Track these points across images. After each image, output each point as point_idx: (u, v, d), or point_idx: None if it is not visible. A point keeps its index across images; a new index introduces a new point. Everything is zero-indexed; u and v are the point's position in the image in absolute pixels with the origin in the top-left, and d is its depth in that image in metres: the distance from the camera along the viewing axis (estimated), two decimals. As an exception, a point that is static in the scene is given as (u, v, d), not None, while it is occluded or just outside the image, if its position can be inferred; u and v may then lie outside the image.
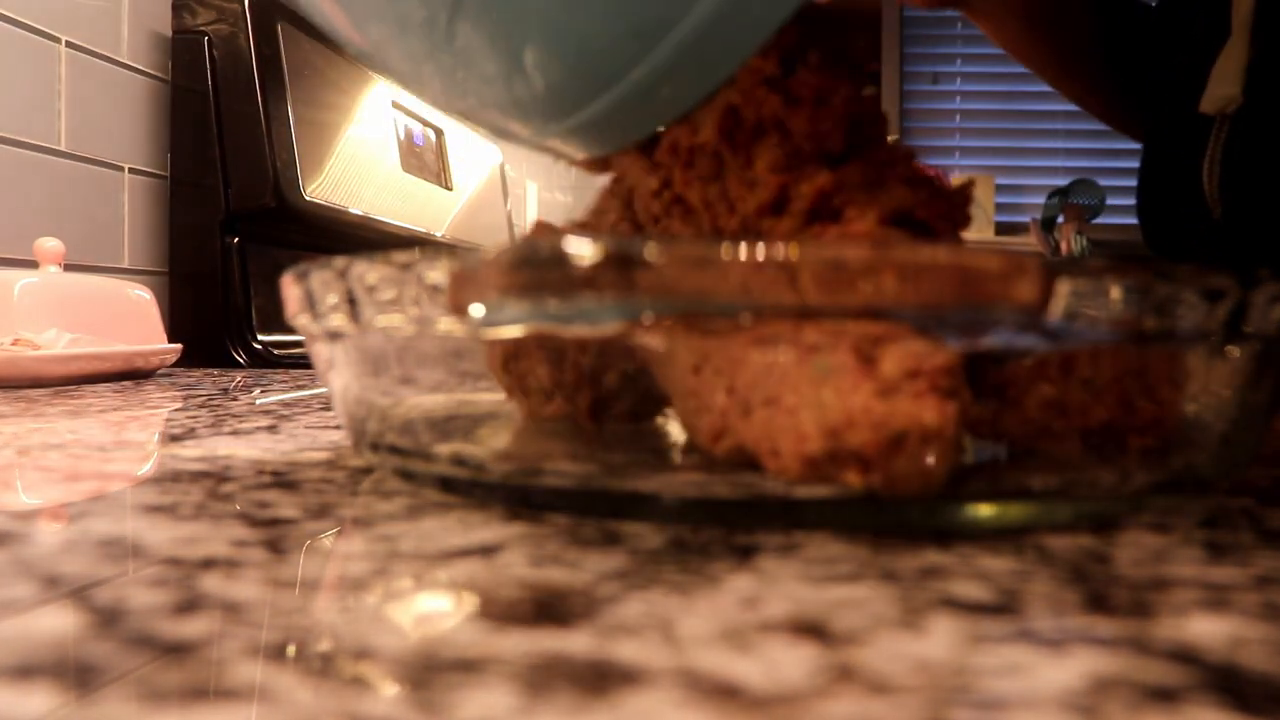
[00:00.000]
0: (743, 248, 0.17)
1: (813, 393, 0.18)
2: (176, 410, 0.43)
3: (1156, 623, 0.14)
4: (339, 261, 0.21)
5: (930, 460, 0.18)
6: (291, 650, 0.12)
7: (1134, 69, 0.58)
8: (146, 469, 0.26)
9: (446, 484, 0.22)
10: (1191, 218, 0.48)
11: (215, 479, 0.25)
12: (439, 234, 1.19)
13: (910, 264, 0.16)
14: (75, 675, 0.11)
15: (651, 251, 0.17)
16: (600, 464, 0.22)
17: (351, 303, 0.21)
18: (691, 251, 0.17)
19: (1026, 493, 0.20)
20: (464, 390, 0.27)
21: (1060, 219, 2.19)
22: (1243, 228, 0.45)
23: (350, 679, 0.11)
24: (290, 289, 0.24)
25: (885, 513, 0.19)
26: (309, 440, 0.32)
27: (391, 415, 0.24)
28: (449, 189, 1.26)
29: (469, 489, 0.21)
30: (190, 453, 0.29)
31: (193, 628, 0.13)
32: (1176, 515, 0.21)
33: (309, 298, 0.23)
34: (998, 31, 0.62)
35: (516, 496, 0.21)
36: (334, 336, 0.23)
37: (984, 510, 0.19)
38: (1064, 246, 2.12)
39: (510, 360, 0.27)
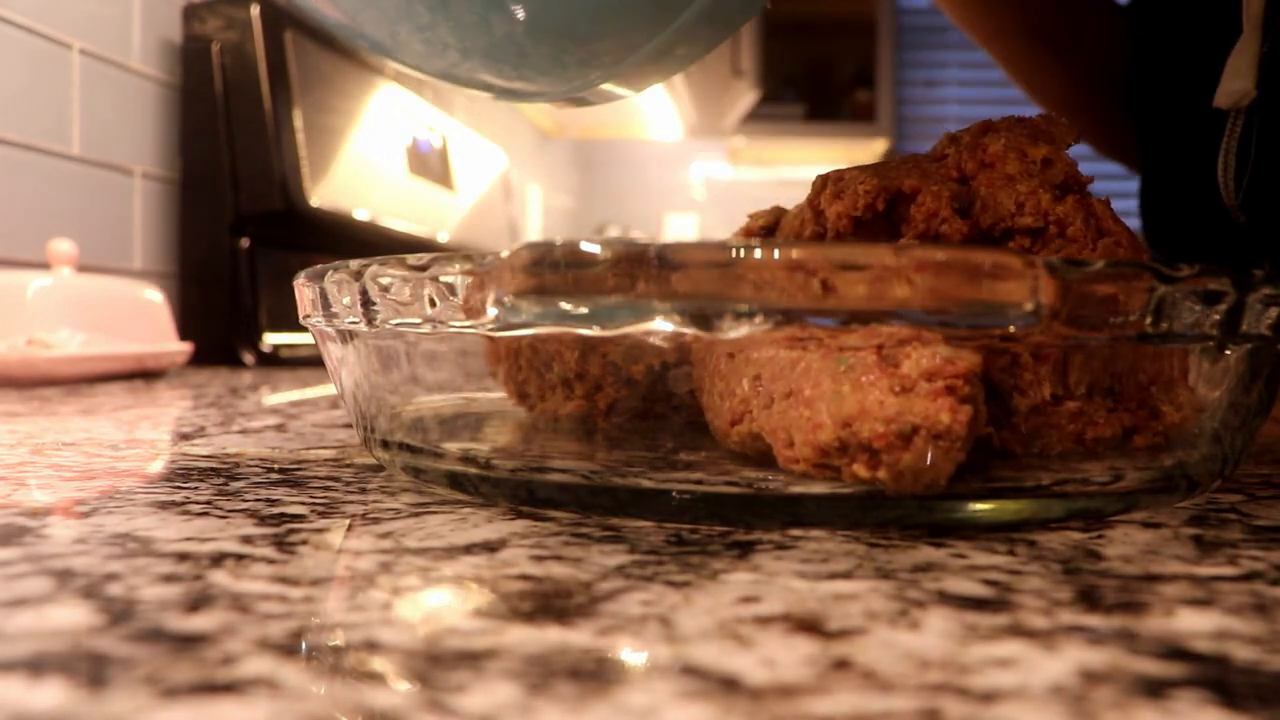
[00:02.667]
0: (755, 249, 0.17)
1: (832, 385, 0.19)
2: (187, 409, 0.43)
3: (1146, 617, 0.14)
4: (354, 263, 0.21)
5: (936, 459, 0.18)
6: (299, 644, 0.13)
7: (1139, 81, 0.57)
8: (157, 466, 0.26)
9: (454, 480, 0.22)
10: (1204, 213, 0.48)
11: (225, 476, 0.25)
12: (443, 237, 1.19)
13: (908, 262, 0.17)
14: (87, 669, 0.12)
15: (666, 252, 0.17)
16: (605, 461, 0.23)
17: (366, 304, 0.21)
18: (706, 253, 0.17)
19: (1020, 490, 0.20)
20: (471, 389, 0.27)
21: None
22: (1262, 218, 0.45)
23: (357, 672, 0.12)
24: (304, 290, 0.24)
25: (881, 508, 0.19)
26: (316, 438, 0.32)
27: (401, 413, 0.24)
28: (453, 192, 1.27)
29: (476, 485, 0.22)
30: (200, 450, 0.29)
31: (202, 622, 0.13)
32: (1166, 512, 0.21)
33: (323, 298, 0.23)
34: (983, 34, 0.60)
35: (522, 492, 0.21)
36: (346, 336, 0.24)
37: (979, 507, 0.19)
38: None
39: (519, 360, 0.27)
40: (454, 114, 1.40)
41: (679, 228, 2.91)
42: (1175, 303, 0.18)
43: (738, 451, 0.22)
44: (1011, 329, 0.17)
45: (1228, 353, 0.20)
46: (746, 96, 2.34)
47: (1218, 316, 0.19)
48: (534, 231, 2.33)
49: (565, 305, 0.18)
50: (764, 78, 2.34)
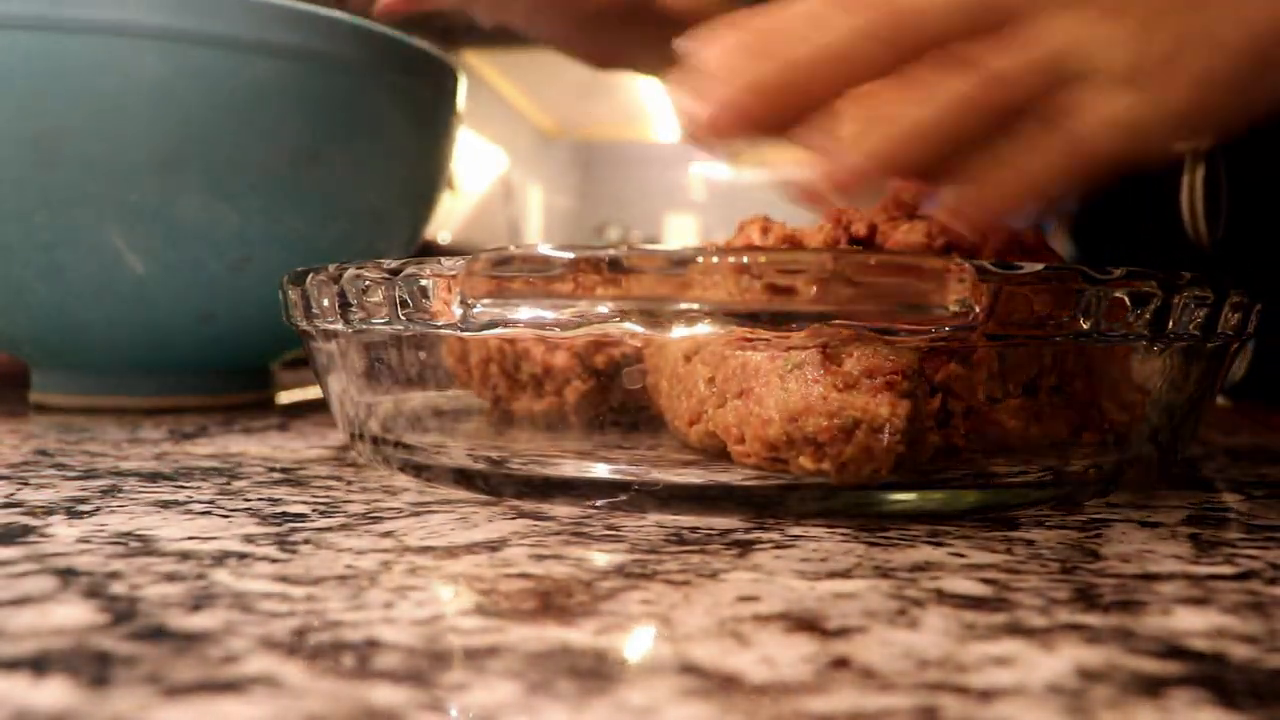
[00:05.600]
0: (700, 255, 0.18)
1: (780, 383, 0.20)
2: (188, 408, 0.43)
3: (1143, 616, 0.14)
4: (332, 267, 0.22)
5: (877, 451, 0.19)
6: (301, 643, 0.13)
7: None
8: (159, 465, 0.26)
9: (419, 470, 0.24)
10: (1157, 242, 0.48)
11: (227, 475, 0.25)
12: (444, 237, 1.19)
13: (846, 266, 0.18)
14: (90, 667, 0.12)
15: (620, 256, 0.18)
16: (572, 451, 0.24)
17: (344, 305, 0.22)
18: (656, 258, 0.18)
19: (945, 481, 0.21)
20: (448, 386, 0.28)
21: (1050, 225, 2.22)
22: (1241, 257, 0.45)
23: (358, 671, 0.12)
24: (289, 292, 0.25)
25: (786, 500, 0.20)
26: (318, 438, 0.32)
27: (376, 409, 0.25)
28: (454, 193, 1.27)
29: (438, 475, 0.23)
30: (202, 450, 0.29)
31: (205, 621, 0.13)
32: (1164, 511, 0.21)
33: (304, 300, 0.24)
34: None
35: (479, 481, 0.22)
36: (327, 336, 0.24)
37: (898, 497, 0.20)
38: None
39: (489, 366, 0.28)
40: (454, 114, 1.41)
41: (679, 228, 2.91)
42: (1103, 304, 0.19)
43: (697, 448, 0.23)
44: (946, 329, 0.18)
45: (1158, 350, 0.21)
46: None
47: (1147, 317, 0.19)
48: (535, 232, 2.33)
49: (524, 306, 0.19)
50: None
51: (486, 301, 0.19)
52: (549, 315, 0.19)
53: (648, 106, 2.18)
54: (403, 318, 0.21)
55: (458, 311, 0.20)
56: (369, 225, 0.42)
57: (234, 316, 0.40)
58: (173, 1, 0.35)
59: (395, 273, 0.21)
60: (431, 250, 1.13)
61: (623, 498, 0.20)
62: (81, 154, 0.35)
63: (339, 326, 0.23)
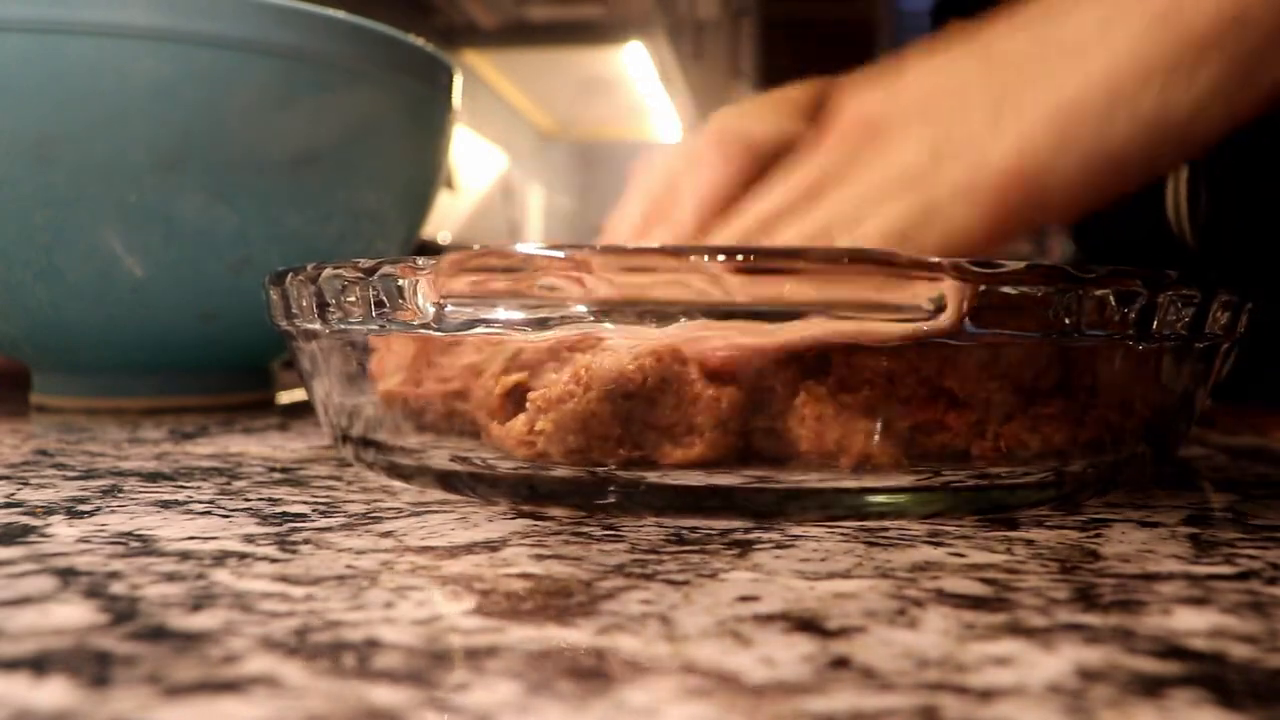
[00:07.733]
0: (668, 252, 0.18)
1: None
2: (188, 408, 0.43)
3: (1143, 616, 0.14)
4: (310, 266, 0.22)
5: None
6: (301, 643, 0.13)
7: None
8: (160, 465, 0.26)
9: (398, 471, 0.24)
10: (1148, 238, 0.49)
11: (227, 475, 0.25)
12: (444, 237, 1.19)
13: (824, 263, 0.18)
14: (90, 667, 0.12)
15: (594, 255, 0.18)
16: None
17: (321, 305, 0.22)
18: (630, 256, 0.18)
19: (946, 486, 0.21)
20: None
21: (1048, 226, 2.21)
22: (1222, 255, 0.46)
23: (358, 671, 0.12)
24: (270, 292, 0.25)
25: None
26: (318, 438, 0.32)
27: (358, 410, 0.25)
28: (454, 193, 1.27)
29: (422, 478, 0.23)
30: (203, 450, 0.29)
31: (205, 621, 0.13)
32: (1164, 511, 0.21)
33: (284, 300, 0.24)
34: None
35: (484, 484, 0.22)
36: (308, 336, 0.24)
37: (877, 500, 0.20)
38: (1054, 251, 2.13)
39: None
40: (454, 114, 1.41)
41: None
42: (1085, 303, 0.19)
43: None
44: (924, 327, 0.18)
45: (1145, 350, 0.21)
46: (746, 97, 2.34)
47: (1132, 316, 0.19)
48: (535, 232, 2.33)
49: (498, 306, 0.19)
50: (763, 79, 2.34)
51: (460, 301, 0.19)
52: (522, 315, 0.19)
53: (648, 106, 2.18)
54: (378, 318, 0.21)
55: (430, 311, 0.20)
56: (367, 224, 0.42)
57: (234, 316, 0.40)
58: (171, 2, 0.35)
59: (370, 272, 0.20)
60: (430, 249, 1.13)
61: (623, 497, 0.20)
62: (81, 155, 0.35)
63: (318, 326, 0.23)
